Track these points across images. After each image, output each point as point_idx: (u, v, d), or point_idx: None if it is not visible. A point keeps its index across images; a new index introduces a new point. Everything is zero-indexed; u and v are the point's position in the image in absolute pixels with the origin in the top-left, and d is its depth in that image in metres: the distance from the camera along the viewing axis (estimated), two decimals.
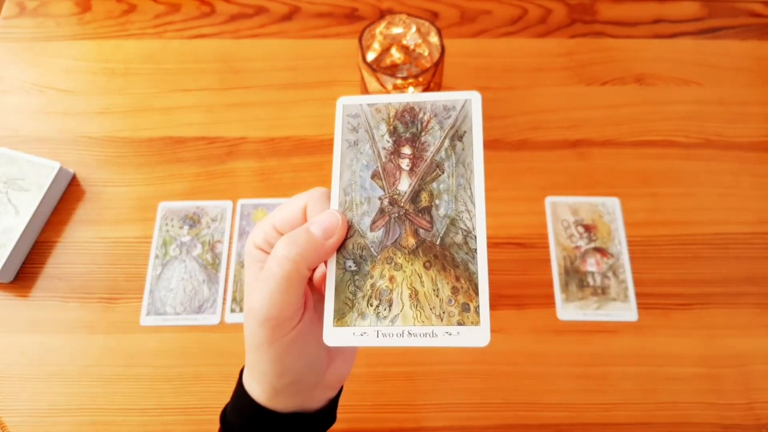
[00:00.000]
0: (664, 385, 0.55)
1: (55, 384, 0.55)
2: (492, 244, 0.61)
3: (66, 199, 0.64)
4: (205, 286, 0.59)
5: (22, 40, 0.75)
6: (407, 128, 0.33)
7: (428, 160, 0.32)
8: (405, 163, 0.32)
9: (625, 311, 0.58)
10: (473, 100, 0.33)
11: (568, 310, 0.58)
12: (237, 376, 0.56)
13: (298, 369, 0.33)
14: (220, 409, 0.39)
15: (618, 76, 0.72)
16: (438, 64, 0.59)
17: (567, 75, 0.72)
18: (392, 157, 0.32)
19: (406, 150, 0.32)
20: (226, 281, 0.60)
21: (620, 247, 0.61)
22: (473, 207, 0.31)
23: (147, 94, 0.71)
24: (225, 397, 0.54)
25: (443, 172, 0.32)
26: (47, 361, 0.56)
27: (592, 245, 0.61)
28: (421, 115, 0.33)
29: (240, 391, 0.36)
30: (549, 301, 0.58)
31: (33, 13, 0.77)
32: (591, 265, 0.60)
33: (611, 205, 0.63)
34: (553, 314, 0.58)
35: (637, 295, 0.58)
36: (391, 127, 0.33)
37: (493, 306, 0.58)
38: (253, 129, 0.68)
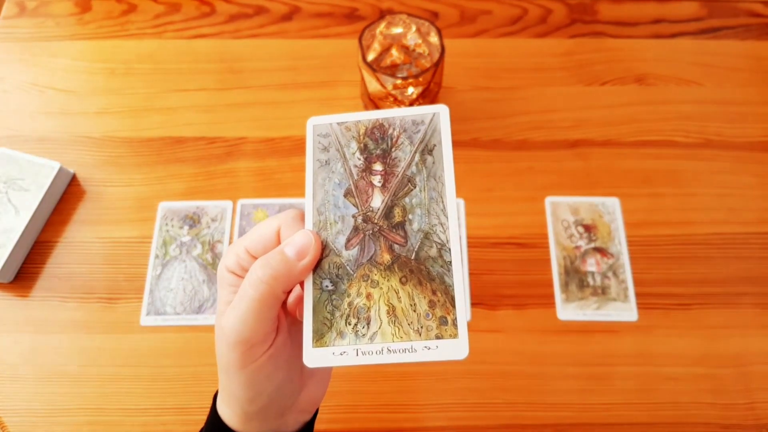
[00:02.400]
0: (664, 385, 0.55)
1: (55, 384, 0.55)
2: (492, 244, 0.61)
3: (66, 199, 0.64)
4: (205, 286, 0.59)
5: (22, 40, 0.75)
6: (377, 145, 0.33)
7: (400, 176, 0.32)
8: (377, 180, 0.32)
9: (625, 311, 0.58)
10: (441, 113, 0.33)
11: (568, 310, 0.58)
12: None
13: (270, 393, 0.33)
14: (202, 425, 0.39)
15: (618, 76, 0.72)
16: (438, 64, 0.59)
17: (567, 75, 0.72)
18: (364, 174, 0.32)
19: (378, 166, 0.33)
20: None
21: (620, 247, 0.61)
22: (446, 219, 0.31)
23: (147, 94, 0.71)
24: None
25: (415, 187, 0.32)
26: (47, 361, 0.56)
27: (592, 245, 0.61)
28: (390, 131, 0.33)
29: (213, 415, 0.36)
30: (549, 301, 0.58)
31: (33, 13, 0.77)
32: (591, 265, 0.60)
33: (611, 205, 0.63)
34: (553, 314, 0.58)
35: (637, 295, 0.58)
36: (362, 145, 0.33)
37: (493, 306, 0.58)
38: (253, 129, 0.68)
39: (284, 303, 0.34)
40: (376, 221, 0.31)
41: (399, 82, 0.59)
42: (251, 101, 0.70)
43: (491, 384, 0.55)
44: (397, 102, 0.62)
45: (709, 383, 0.55)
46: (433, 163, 0.32)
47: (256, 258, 0.31)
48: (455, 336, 0.29)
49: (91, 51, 0.74)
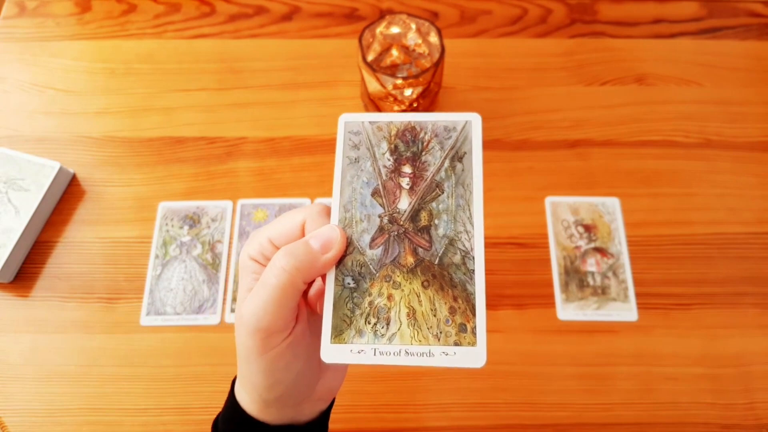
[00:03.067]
0: (664, 385, 0.55)
1: (55, 384, 0.55)
2: (492, 244, 0.61)
3: (66, 199, 0.64)
4: (205, 286, 0.59)
5: (22, 40, 0.75)
6: (408, 147, 0.33)
7: (428, 180, 0.32)
8: (405, 182, 0.32)
9: (625, 311, 0.58)
10: (473, 121, 0.33)
11: (568, 310, 0.58)
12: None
13: (288, 382, 0.33)
14: (220, 410, 0.39)
15: (618, 76, 0.72)
16: (438, 64, 0.59)
17: (567, 75, 0.72)
18: (393, 175, 0.33)
19: (407, 169, 0.33)
20: (226, 281, 0.60)
21: (620, 247, 0.61)
22: (472, 228, 0.31)
23: (147, 94, 0.71)
24: (224, 397, 0.54)
25: (443, 192, 0.32)
26: (47, 361, 0.56)
27: (592, 245, 0.61)
28: (422, 134, 0.33)
29: (231, 400, 0.36)
30: (549, 301, 0.58)
31: (33, 13, 0.77)
32: (591, 265, 0.60)
33: (611, 205, 0.63)
34: (553, 314, 0.58)
35: (637, 295, 0.58)
36: (392, 146, 0.33)
37: (493, 306, 0.58)
38: (253, 129, 0.68)
39: (305, 294, 0.34)
40: (401, 223, 0.32)
41: (399, 82, 0.59)
42: (251, 101, 0.70)
43: (491, 384, 0.55)
44: (397, 102, 0.62)
45: (709, 383, 0.55)
46: (463, 170, 0.32)
47: (278, 248, 0.31)
48: (474, 344, 0.29)
49: (91, 51, 0.74)
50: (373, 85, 0.61)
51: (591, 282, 0.59)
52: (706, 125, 0.68)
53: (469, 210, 0.31)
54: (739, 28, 0.75)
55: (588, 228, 0.62)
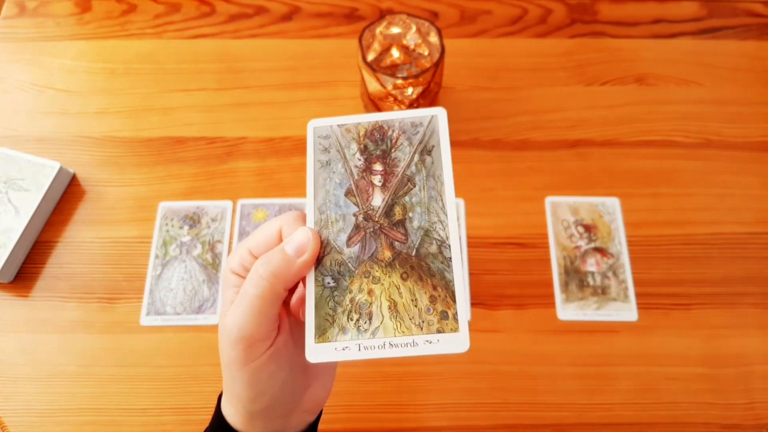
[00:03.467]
0: (664, 385, 0.55)
1: (55, 384, 0.55)
2: (492, 244, 0.61)
3: (66, 199, 0.64)
4: (205, 286, 0.59)
5: (22, 40, 0.75)
6: (377, 146, 0.34)
7: (400, 175, 0.33)
8: (377, 179, 0.33)
9: (625, 311, 0.58)
10: (439, 115, 0.34)
11: (568, 310, 0.58)
12: None
13: (273, 392, 0.33)
14: (207, 425, 0.39)
15: (618, 76, 0.72)
16: (438, 64, 0.59)
17: (567, 75, 0.72)
18: (364, 174, 0.33)
19: (378, 167, 0.33)
20: None
21: (620, 247, 0.61)
22: (445, 217, 0.32)
23: (147, 94, 0.71)
24: None
25: (415, 186, 0.33)
26: (47, 361, 0.56)
27: (592, 245, 0.61)
28: (390, 132, 0.34)
29: (217, 415, 0.36)
30: (549, 301, 0.58)
31: (33, 13, 0.77)
32: (591, 265, 0.60)
33: (611, 205, 0.63)
34: (553, 314, 0.58)
35: (637, 295, 0.58)
36: (362, 146, 0.34)
37: (493, 306, 0.58)
38: (253, 129, 0.68)
39: (287, 303, 0.34)
40: (376, 219, 0.32)
41: (399, 82, 0.59)
42: (251, 101, 0.70)
43: (491, 384, 0.55)
44: (397, 102, 0.62)
45: (709, 383, 0.55)
46: (432, 163, 0.33)
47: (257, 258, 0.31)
48: (456, 330, 0.29)
49: (91, 51, 0.74)
50: (373, 85, 0.61)
51: (591, 282, 0.59)
52: (706, 125, 0.68)
53: (442, 200, 0.32)
54: (739, 28, 0.75)
55: (588, 228, 0.62)
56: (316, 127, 0.35)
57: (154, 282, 0.60)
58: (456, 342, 0.29)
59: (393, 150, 0.34)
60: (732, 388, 0.55)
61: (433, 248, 0.31)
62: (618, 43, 0.74)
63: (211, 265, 0.60)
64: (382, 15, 0.63)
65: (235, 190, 0.64)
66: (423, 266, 0.31)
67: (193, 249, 0.61)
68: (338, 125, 0.35)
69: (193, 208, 0.63)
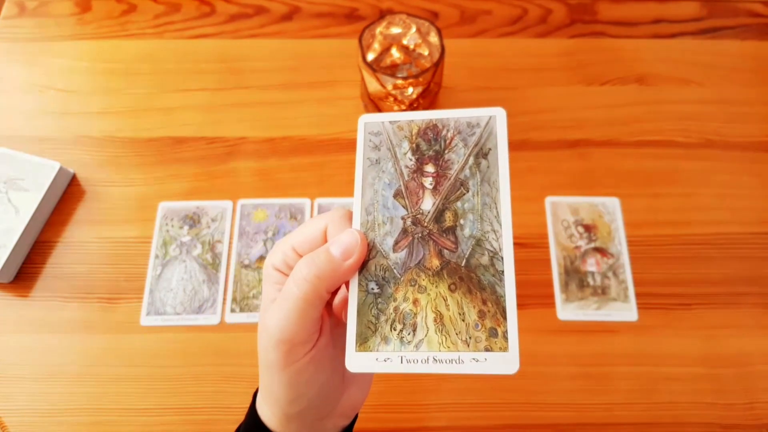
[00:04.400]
0: (664, 385, 0.55)
1: (55, 384, 0.55)
2: None
3: (66, 199, 0.64)
4: (205, 286, 0.59)
5: (22, 40, 0.75)
6: (430, 146, 0.32)
7: (452, 179, 0.31)
8: (428, 182, 0.31)
9: (625, 311, 0.58)
10: (498, 116, 0.32)
11: (568, 310, 0.58)
12: (237, 376, 0.56)
13: (311, 396, 0.32)
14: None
15: (618, 76, 0.72)
16: (438, 64, 0.59)
17: (567, 75, 0.72)
18: (415, 175, 0.31)
19: (429, 168, 0.31)
20: (226, 281, 0.60)
21: (620, 247, 0.61)
22: (499, 227, 0.30)
23: (147, 94, 0.71)
24: (225, 397, 0.54)
25: (468, 191, 0.31)
26: (47, 361, 0.56)
27: (592, 245, 0.61)
28: (444, 132, 0.32)
29: (252, 414, 0.36)
30: (549, 301, 0.58)
31: (33, 13, 0.77)
32: (591, 265, 0.60)
33: (611, 205, 0.63)
34: (553, 314, 0.58)
35: (637, 295, 0.58)
36: (414, 145, 0.32)
37: None
38: (253, 129, 0.68)
39: (329, 304, 0.33)
40: (425, 224, 0.30)
41: (399, 82, 0.59)
42: (251, 101, 0.70)
43: (491, 384, 0.55)
44: (397, 102, 0.62)
45: (709, 383, 0.55)
46: (488, 167, 0.31)
47: (301, 256, 0.30)
48: (505, 349, 0.28)
49: (91, 51, 0.74)
50: (373, 85, 0.61)
51: (591, 282, 0.59)
52: (706, 125, 0.68)
53: (496, 208, 0.30)
54: (739, 28, 0.75)
55: (588, 228, 0.62)
56: (367, 122, 0.33)
57: (154, 282, 0.60)
58: (504, 362, 0.27)
59: (446, 151, 0.32)
60: (732, 388, 0.55)
61: (485, 259, 0.29)
62: (618, 43, 0.74)
63: (211, 265, 0.60)
64: (382, 15, 0.63)
65: (235, 190, 0.64)
66: (473, 278, 0.29)
67: (193, 249, 0.61)
68: (390, 122, 0.33)
69: (193, 208, 0.63)
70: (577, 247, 0.61)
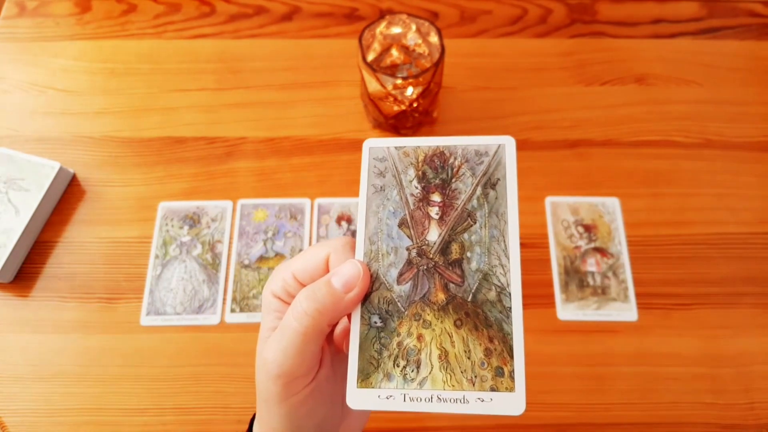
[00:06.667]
0: (664, 385, 0.55)
1: (55, 384, 0.55)
2: None
3: (66, 199, 0.64)
4: (205, 286, 0.59)
5: (22, 40, 0.75)
6: (437, 174, 0.31)
7: (459, 209, 0.30)
8: (434, 212, 0.30)
9: (625, 311, 0.58)
10: (507, 145, 0.31)
11: (568, 310, 0.58)
12: (236, 376, 0.56)
13: (310, 427, 0.31)
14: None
15: (618, 76, 0.72)
16: (438, 64, 0.59)
17: (567, 75, 0.72)
18: (421, 204, 0.30)
19: (436, 197, 0.30)
20: (226, 281, 0.60)
21: (620, 247, 0.61)
22: (507, 261, 0.29)
23: (147, 94, 0.71)
24: (224, 397, 0.54)
25: (475, 222, 0.30)
26: (47, 361, 0.56)
27: (592, 245, 0.61)
28: (451, 160, 0.31)
29: None
30: (549, 301, 0.58)
31: (33, 13, 0.77)
32: (591, 265, 0.60)
33: (611, 205, 0.63)
34: (553, 314, 0.58)
35: (637, 295, 0.58)
36: (420, 173, 0.31)
37: None
38: (253, 129, 0.68)
39: (330, 334, 0.33)
40: (431, 256, 0.29)
41: (399, 82, 0.59)
42: (251, 101, 0.70)
43: None
44: (397, 102, 0.62)
45: (709, 383, 0.55)
46: (496, 198, 0.30)
47: (302, 285, 0.30)
48: (512, 389, 0.27)
49: (91, 51, 0.74)
50: (373, 85, 0.61)
51: (591, 282, 0.59)
52: (706, 125, 0.68)
53: (504, 242, 0.29)
54: (739, 28, 0.75)
55: (588, 228, 0.62)
56: (372, 147, 0.32)
57: (154, 282, 0.60)
58: (511, 403, 0.27)
59: (454, 180, 0.31)
60: (732, 388, 0.55)
61: (492, 295, 0.28)
62: (618, 43, 0.74)
63: (211, 265, 0.60)
64: (382, 15, 0.63)
65: (235, 190, 0.64)
66: (479, 314, 0.28)
67: (193, 249, 0.61)
68: (396, 147, 0.32)
69: (193, 208, 0.63)
70: (577, 247, 0.61)
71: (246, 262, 0.61)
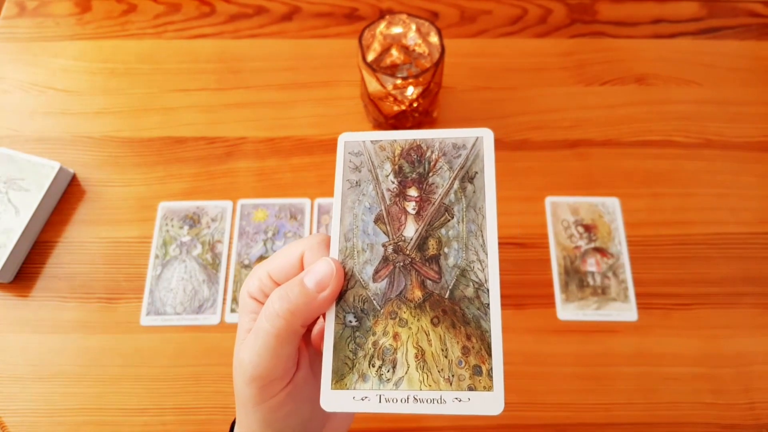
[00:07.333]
0: (664, 385, 0.55)
1: (55, 384, 0.55)
2: None
3: (66, 199, 0.64)
4: (205, 286, 0.59)
5: (22, 40, 0.75)
6: (414, 168, 0.30)
7: (436, 204, 0.29)
8: (411, 207, 0.30)
9: (625, 311, 0.58)
10: (485, 137, 0.30)
11: (568, 310, 0.58)
12: None
13: (290, 431, 0.31)
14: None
15: (618, 76, 0.72)
16: (438, 64, 0.59)
17: (567, 75, 0.72)
18: (397, 199, 0.30)
19: (413, 192, 0.30)
20: (226, 281, 0.60)
21: (620, 247, 0.61)
22: (485, 256, 0.28)
23: (147, 94, 0.71)
24: (224, 397, 0.54)
25: (453, 217, 0.29)
26: (47, 361, 0.56)
27: (592, 245, 0.61)
28: (428, 153, 0.30)
29: None
30: (549, 301, 0.58)
31: (33, 13, 0.77)
32: (591, 265, 0.60)
33: (611, 205, 0.63)
34: (553, 314, 0.58)
35: (637, 295, 0.58)
36: (396, 167, 0.30)
37: None
38: (253, 129, 0.68)
39: (307, 335, 0.32)
40: (408, 252, 0.29)
41: (399, 82, 0.59)
42: (251, 101, 0.70)
43: None
44: (397, 102, 0.62)
45: (709, 383, 0.55)
46: (474, 192, 0.29)
47: (278, 284, 0.29)
48: (490, 388, 0.26)
49: (91, 51, 0.74)
50: (373, 85, 0.61)
51: (591, 282, 0.59)
52: (706, 125, 0.68)
53: (482, 236, 0.28)
54: (739, 28, 0.75)
55: (588, 228, 0.62)
56: (347, 141, 0.31)
57: (154, 282, 0.60)
58: (489, 402, 0.26)
59: (431, 174, 0.30)
60: (732, 388, 0.55)
61: (470, 291, 0.28)
62: (618, 43, 0.74)
63: (211, 265, 0.60)
64: (382, 15, 0.63)
65: (235, 190, 0.64)
66: (457, 311, 0.27)
67: (193, 249, 0.61)
68: (372, 141, 0.31)
69: (193, 208, 0.63)
70: (577, 247, 0.61)
71: (246, 262, 0.61)
